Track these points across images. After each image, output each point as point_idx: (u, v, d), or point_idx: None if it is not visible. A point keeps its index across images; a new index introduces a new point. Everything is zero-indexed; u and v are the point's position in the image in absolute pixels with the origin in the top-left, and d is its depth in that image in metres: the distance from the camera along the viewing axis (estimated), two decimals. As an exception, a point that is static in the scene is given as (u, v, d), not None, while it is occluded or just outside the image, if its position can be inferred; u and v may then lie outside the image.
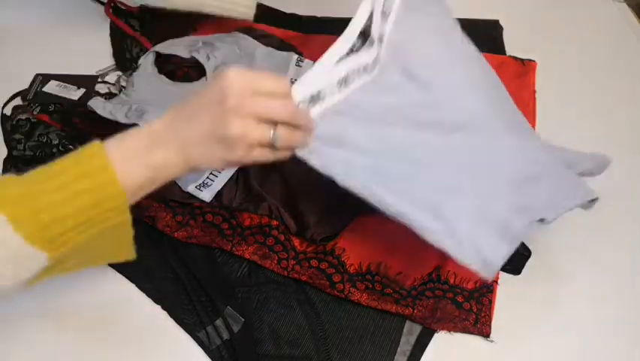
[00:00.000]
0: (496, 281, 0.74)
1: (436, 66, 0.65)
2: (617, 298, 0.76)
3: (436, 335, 0.71)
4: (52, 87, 0.91)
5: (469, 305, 0.72)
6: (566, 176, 0.63)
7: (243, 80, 0.52)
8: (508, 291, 0.75)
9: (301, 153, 0.58)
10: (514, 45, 1.03)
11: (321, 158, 0.58)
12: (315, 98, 0.59)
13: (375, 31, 0.62)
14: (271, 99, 0.53)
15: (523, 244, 0.77)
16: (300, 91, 0.58)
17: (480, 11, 1.07)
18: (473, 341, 0.71)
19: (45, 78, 0.93)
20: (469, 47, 0.71)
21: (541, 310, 0.74)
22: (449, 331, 0.71)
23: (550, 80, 0.97)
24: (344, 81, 0.61)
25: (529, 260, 0.77)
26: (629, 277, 0.78)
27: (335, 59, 0.60)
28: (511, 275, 0.77)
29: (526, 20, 1.09)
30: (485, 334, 0.71)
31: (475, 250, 0.56)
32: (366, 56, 0.62)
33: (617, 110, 0.97)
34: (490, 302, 0.73)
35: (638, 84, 1.00)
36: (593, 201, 0.67)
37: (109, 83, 0.94)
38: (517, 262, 0.76)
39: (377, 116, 0.61)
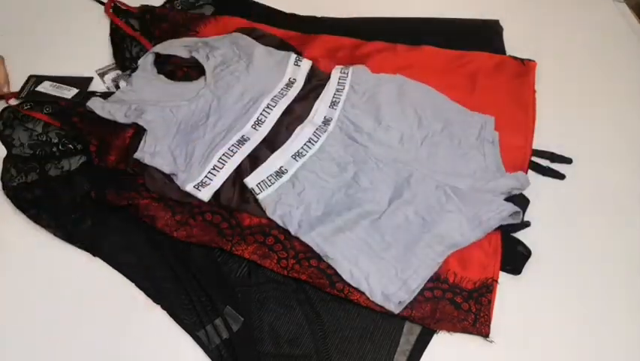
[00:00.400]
0: (496, 281, 0.74)
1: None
2: (617, 299, 0.76)
3: (435, 335, 0.71)
4: (45, 87, 0.92)
5: (468, 306, 0.72)
6: (483, 207, 0.77)
7: None
8: (508, 291, 0.74)
9: (269, 213, 0.77)
10: (514, 45, 1.02)
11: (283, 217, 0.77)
12: (279, 173, 0.80)
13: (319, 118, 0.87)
14: None
15: (523, 244, 0.78)
16: (260, 174, 0.79)
17: (480, 11, 1.07)
18: (473, 341, 0.71)
19: (39, 79, 0.93)
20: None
21: (540, 310, 0.74)
22: (448, 331, 0.71)
23: (550, 80, 0.97)
24: (298, 154, 0.82)
25: (530, 260, 0.77)
26: (629, 278, 0.78)
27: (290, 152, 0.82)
28: (511, 275, 0.76)
29: (526, 20, 1.08)
30: (484, 334, 0.71)
31: (382, 295, 0.71)
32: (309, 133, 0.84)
33: (617, 109, 0.96)
34: (490, 302, 0.72)
35: (638, 84, 1.00)
36: (517, 213, 0.77)
37: (107, 83, 0.94)
38: (517, 262, 0.76)
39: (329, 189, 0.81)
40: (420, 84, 0.91)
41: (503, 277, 0.76)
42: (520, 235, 0.79)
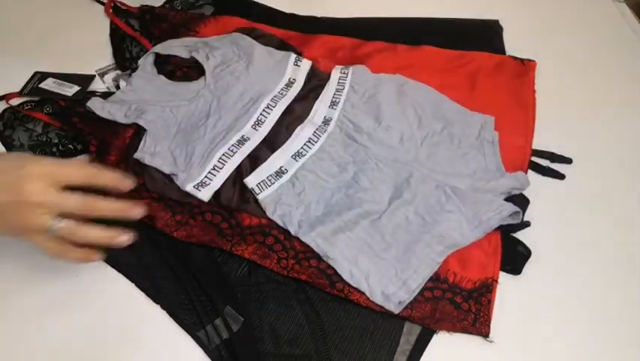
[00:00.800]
0: (496, 280, 0.74)
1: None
2: (618, 299, 0.76)
3: (435, 335, 0.71)
4: (48, 84, 0.92)
5: (468, 305, 0.72)
6: (483, 206, 0.77)
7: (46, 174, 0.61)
8: (508, 291, 0.74)
9: (269, 213, 0.77)
10: (514, 45, 1.02)
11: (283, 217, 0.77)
12: (279, 173, 0.80)
13: (319, 118, 0.87)
14: (63, 195, 0.61)
15: (523, 244, 0.78)
16: (260, 174, 0.79)
17: (480, 11, 1.07)
18: (473, 341, 0.71)
19: (43, 76, 0.93)
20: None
21: (541, 310, 0.74)
22: (448, 331, 0.71)
23: (550, 80, 0.97)
24: (298, 154, 0.82)
25: (530, 260, 0.77)
26: (630, 278, 0.78)
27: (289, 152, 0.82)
28: (511, 275, 0.76)
29: (526, 20, 1.09)
30: (484, 334, 0.71)
31: (382, 294, 0.71)
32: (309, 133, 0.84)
33: (617, 110, 0.96)
34: (489, 302, 0.72)
35: (638, 84, 1.00)
36: (517, 213, 0.77)
37: (107, 83, 0.95)
38: (517, 262, 0.77)
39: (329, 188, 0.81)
40: (420, 84, 0.92)
41: (503, 277, 0.76)
42: (520, 235, 0.79)
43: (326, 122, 0.86)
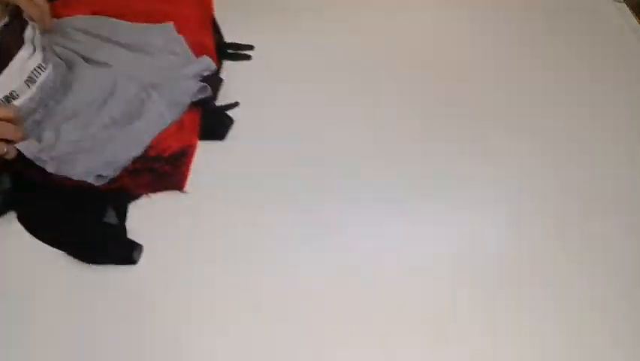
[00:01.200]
0: (193, 146, 0.83)
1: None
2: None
3: (138, 200, 0.76)
4: None
5: (166, 169, 0.80)
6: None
7: None
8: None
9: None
10: (520, 46, 1.04)
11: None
12: (9, 98, 0.80)
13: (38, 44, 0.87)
14: None
15: (227, 116, 0.89)
16: None
17: (478, 11, 1.10)
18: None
19: None
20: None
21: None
22: (148, 193, 0.77)
23: (550, 81, 0.98)
24: (29, 80, 0.82)
25: (234, 127, 0.87)
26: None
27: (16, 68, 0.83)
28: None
29: (526, 20, 1.09)
30: (180, 188, 0.78)
31: (86, 173, 0.76)
32: (38, 59, 0.85)
33: (618, 110, 0.95)
34: (185, 163, 0.80)
35: (638, 84, 0.99)
36: (205, 87, 0.89)
37: None
38: (222, 129, 0.87)
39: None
40: (102, 17, 0.99)
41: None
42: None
43: (39, 54, 0.86)
